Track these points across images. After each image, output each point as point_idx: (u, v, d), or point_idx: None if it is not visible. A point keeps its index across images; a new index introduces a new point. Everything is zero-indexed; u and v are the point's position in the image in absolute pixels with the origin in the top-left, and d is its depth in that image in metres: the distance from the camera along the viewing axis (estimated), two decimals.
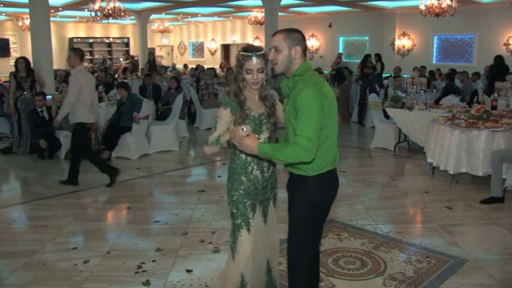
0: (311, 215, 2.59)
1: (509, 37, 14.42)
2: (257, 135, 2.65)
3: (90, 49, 22.60)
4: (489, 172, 5.67)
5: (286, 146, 2.46)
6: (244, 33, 22.61)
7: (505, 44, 14.52)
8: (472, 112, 6.47)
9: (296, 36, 2.56)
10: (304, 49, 2.56)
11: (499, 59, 11.69)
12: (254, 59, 2.62)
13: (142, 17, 17.61)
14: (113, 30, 23.80)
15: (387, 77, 13.39)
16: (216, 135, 2.73)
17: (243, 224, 2.78)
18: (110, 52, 23.10)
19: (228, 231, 4.59)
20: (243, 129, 2.46)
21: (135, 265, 3.92)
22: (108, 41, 23.41)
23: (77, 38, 22.18)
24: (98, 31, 23.27)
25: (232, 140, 2.54)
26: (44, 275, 3.79)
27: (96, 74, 13.66)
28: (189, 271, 3.82)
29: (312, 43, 19.03)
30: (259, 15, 16.23)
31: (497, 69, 11.35)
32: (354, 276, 3.70)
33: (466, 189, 6.05)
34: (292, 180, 2.67)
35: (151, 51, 17.12)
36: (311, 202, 2.57)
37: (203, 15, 19.64)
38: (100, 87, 9.07)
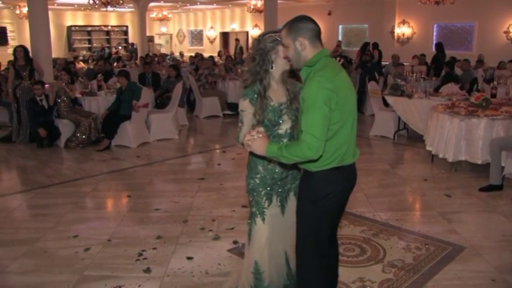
0: (313, 212, 2.49)
1: (509, 25, 14.36)
2: (277, 127, 2.64)
3: (89, 37, 22.51)
4: (488, 160, 5.69)
5: (292, 144, 2.35)
6: (243, 21, 22.51)
7: (505, 32, 14.47)
8: (472, 100, 6.47)
9: (297, 26, 2.40)
10: (313, 36, 2.40)
11: (439, 46, 12.71)
12: (278, 45, 2.60)
13: (141, 5, 17.49)
14: (111, 18, 23.66)
15: (384, 66, 13.37)
16: (245, 130, 2.65)
17: (257, 212, 2.77)
18: (108, 40, 22.99)
19: (228, 218, 4.68)
20: (254, 133, 2.43)
21: (136, 253, 3.94)
22: (106, 29, 23.29)
23: (75, 26, 22.06)
24: (96, 19, 23.13)
25: (244, 142, 2.48)
26: (45, 262, 3.81)
27: (94, 63, 13.63)
28: (189, 258, 3.84)
29: None
30: (259, 2, 16.14)
31: (437, 55, 12.51)
32: (353, 263, 3.73)
33: (465, 177, 6.07)
34: (302, 174, 2.61)
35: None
36: (313, 199, 2.47)
37: (202, 3, 19.53)
38: (99, 75, 9.05)
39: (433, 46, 13.28)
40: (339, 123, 2.35)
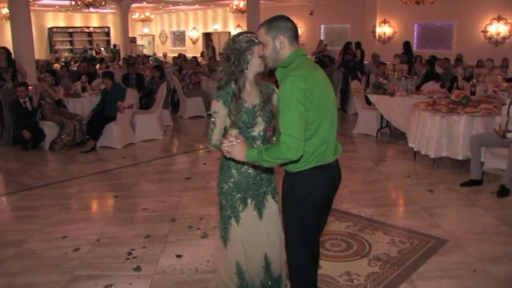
0: (297, 212, 2.45)
1: (486, 24, 14.65)
2: (250, 129, 2.64)
3: (70, 39, 22.29)
4: (469, 156, 5.83)
5: (272, 146, 2.31)
6: (225, 21, 22.54)
7: (482, 31, 14.74)
8: (452, 98, 6.62)
9: (278, 24, 2.39)
10: (292, 35, 2.39)
11: (406, 45, 13.25)
12: (255, 46, 2.59)
13: (123, 6, 17.43)
14: (93, 19, 23.47)
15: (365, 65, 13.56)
16: (217, 132, 2.66)
17: (232, 215, 2.76)
18: (90, 42, 22.81)
19: (216, 217, 4.70)
20: (233, 139, 2.42)
21: (125, 252, 3.97)
22: (88, 31, 23.09)
23: (56, 27, 21.82)
24: (77, 20, 22.93)
25: (222, 148, 2.46)
26: (34, 263, 3.82)
27: (77, 64, 13.54)
28: (178, 256, 3.89)
29: None
30: (241, 3, 16.20)
31: (405, 54, 12.87)
32: (340, 258, 3.81)
33: (447, 172, 6.21)
34: (284, 174, 2.56)
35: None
36: (296, 199, 2.44)
37: (184, 3, 19.51)
38: (83, 77, 9.01)
39: (403, 45, 13.49)
40: (315, 122, 2.33)
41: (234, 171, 2.73)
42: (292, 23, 2.43)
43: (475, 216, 4.78)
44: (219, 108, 2.63)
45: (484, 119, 6.10)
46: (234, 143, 2.40)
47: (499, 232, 4.35)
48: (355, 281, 3.45)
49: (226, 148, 2.42)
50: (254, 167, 2.71)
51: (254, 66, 2.64)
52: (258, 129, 2.69)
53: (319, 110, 2.33)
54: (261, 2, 13.30)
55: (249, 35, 2.66)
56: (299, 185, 2.43)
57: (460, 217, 4.78)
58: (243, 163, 2.65)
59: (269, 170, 2.78)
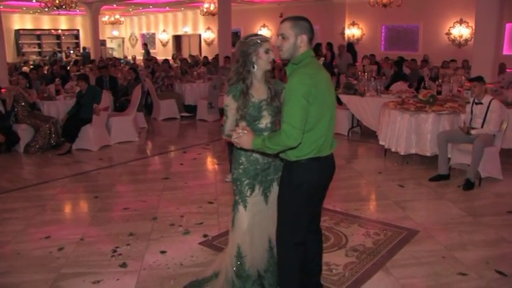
0: (292, 199, 2.69)
1: (450, 27, 15.19)
2: (257, 121, 2.85)
3: (38, 41, 21.93)
4: (436, 152, 6.13)
5: (274, 135, 2.57)
6: (195, 24, 22.60)
7: (446, 34, 15.29)
8: (420, 97, 6.91)
9: (303, 24, 2.64)
10: (311, 37, 2.66)
11: (349, 46, 14.08)
12: (263, 43, 2.82)
13: (93, 9, 17.30)
14: (61, 22, 23.12)
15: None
16: (229, 123, 2.90)
17: (240, 200, 2.96)
18: (59, 45, 22.48)
19: (196, 214, 4.86)
20: (240, 131, 2.64)
21: (110, 249, 4.05)
22: (56, 33, 22.75)
23: (24, 29, 21.45)
24: (45, 23, 22.55)
25: (233, 140, 2.70)
26: (19, 263, 3.87)
27: (47, 67, 13.40)
28: (163, 252, 4.00)
29: (264, 33, 19.28)
30: (212, 5, 16.30)
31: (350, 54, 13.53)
32: None
33: (416, 168, 6.50)
34: (284, 162, 2.79)
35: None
36: (292, 186, 2.66)
37: (155, 6, 19.49)
38: (57, 79, 8.98)
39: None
40: (316, 117, 2.55)
41: (243, 159, 2.96)
42: (312, 26, 2.68)
43: (443, 208, 5.06)
44: (229, 102, 2.88)
45: (450, 116, 6.41)
46: (241, 134, 2.64)
47: (465, 222, 4.63)
48: (334, 270, 3.64)
49: (235, 140, 2.66)
50: (263, 155, 2.91)
51: (261, 66, 2.87)
52: (265, 122, 2.91)
53: (320, 105, 2.56)
54: (231, 4, 13.44)
55: (254, 37, 2.87)
56: (296, 172, 2.66)
57: (429, 209, 5.05)
58: (252, 151, 2.86)
59: (277, 157, 2.92)
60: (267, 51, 2.84)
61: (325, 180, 2.78)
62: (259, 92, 2.90)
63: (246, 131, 2.65)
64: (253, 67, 2.87)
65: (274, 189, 2.98)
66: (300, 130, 2.48)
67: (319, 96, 2.54)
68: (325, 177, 2.77)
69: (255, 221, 2.98)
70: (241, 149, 2.80)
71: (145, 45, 21.68)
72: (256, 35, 2.93)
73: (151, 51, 21.47)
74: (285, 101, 2.58)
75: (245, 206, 2.97)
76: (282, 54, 2.70)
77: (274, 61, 2.96)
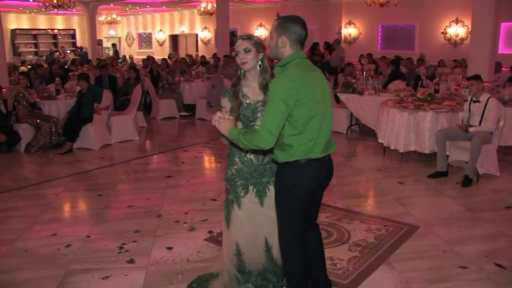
0: (285, 200, 2.67)
1: (446, 26, 15.32)
2: (253, 123, 2.83)
3: (35, 41, 21.90)
4: (435, 149, 6.22)
5: (250, 132, 2.53)
6: (192, 23, 22.65)
7: (442, 33, 15.43)
8: (418, 95, 7.00)
9: (286, 25, 2.57)
10: (295, 39, 2.58)
11: (328, 45, 14.16)
12: (239, 41, 2.80)
13: (90, 8, 17.31)
14: (58, 21, 23.12)
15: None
16: None
17: (234, 199, 2.98)
18: (55, 44, 22.45)
19: (200, 211, 4.92)
20: (226, 115, 2.65)
21: (117, 246, 4.11)
22: (53, 33, 22.73)
23: (20, 29, 21.43)
24: (42, 22, 22.55)
25: (212, 118, 2.65)
26: (28, 260, 3.92)
27: (45, 67, 13.41)
28: (169, 248, 4.06)
29: (261, 32, 19.38)
30: (209, 5, 16.36)
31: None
32: None
33: (415, 165, 6.60)
34: (277, 166, 2.76)
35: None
36: (283, 188, 2.65)
37: (152, 5, 19.52)
38: (57, 79, 9.01)
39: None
40: (302, 120, 2.49)
41: (237, 159, 2.94)
42: (303, 27, 2.61)
43: (442, 204, 5.16)
44: (224, 104, 2.90)
45: (448, 114, 6.51)
46: (226, 117, 2.63)
47: (464, 217, 4.73)
48: (338, 264, 3.72)
49: (215, 123, 2.63)
50: (255, 155, 2.91)
51: (245, 68, 2.82)
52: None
53: (309, 108, 2.50)
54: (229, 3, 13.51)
55: (240, 40, 2.84)
56: (286, 174, 2.64)
57: (429, 205, 5.16)
58: (246, 152, 2.88)
59: (273, 161, 2.90)
60: (237, 53, 2.82)
61: (316, 182, 2.70)
62: (254, 93, 2.87)
63: (231, 118, 2.64)
64: (240, 70, 2.88)
65: (271, 192, 2.93)
66: (274, 135, 2.44)
67: (304, 99, 2.47)
68: (318, 179, 2.70)
69: (249, 220, 2.99)
70: (237, 147, 2.80)
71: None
72: (241, 36, 2.87)
73: (148, 50, 21.52)
74: (267, 102, 2.55)
75: (239, 205, 2.97)
76: (270, 54, 2.72)
77: (272, 60, 3.01)
